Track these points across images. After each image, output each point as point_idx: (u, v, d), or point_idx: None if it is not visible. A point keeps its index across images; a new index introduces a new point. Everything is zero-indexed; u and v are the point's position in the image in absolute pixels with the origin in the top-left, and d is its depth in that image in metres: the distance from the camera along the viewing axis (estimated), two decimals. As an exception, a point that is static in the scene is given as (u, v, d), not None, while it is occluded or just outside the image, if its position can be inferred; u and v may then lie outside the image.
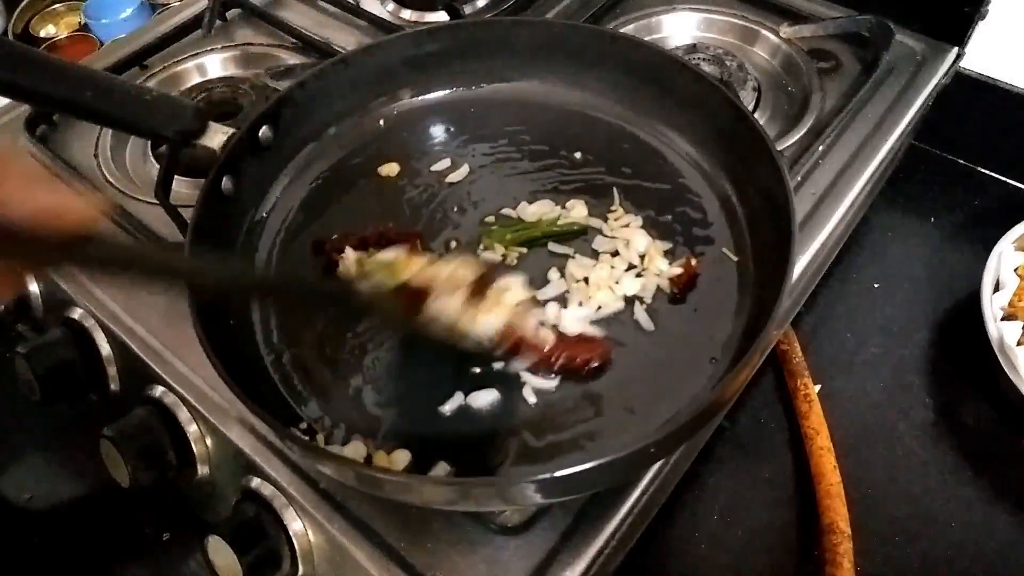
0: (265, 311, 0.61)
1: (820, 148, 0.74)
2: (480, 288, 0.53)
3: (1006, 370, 0.71)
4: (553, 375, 0.56)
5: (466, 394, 0.55)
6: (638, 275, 0.61)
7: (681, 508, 0.70)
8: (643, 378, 0.56)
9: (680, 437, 0.50)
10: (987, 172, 0.96)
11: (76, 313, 0.68)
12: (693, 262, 0.61)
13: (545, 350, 0.55)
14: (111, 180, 0.76)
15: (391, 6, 0.97)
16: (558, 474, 0.43)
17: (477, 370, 0.57)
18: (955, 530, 0.69)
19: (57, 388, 0.66)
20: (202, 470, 0.62)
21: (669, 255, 0.62)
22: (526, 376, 0.56)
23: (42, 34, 1.27)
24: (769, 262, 0.59)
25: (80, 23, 1.26)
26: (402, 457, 0.52)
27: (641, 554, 0.65)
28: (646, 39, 0.87)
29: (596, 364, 0.56)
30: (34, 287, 0.72)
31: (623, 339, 0.58)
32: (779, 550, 0.68)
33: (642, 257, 0.62)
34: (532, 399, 0.55)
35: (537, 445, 0.53)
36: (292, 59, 0.89)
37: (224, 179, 0.61)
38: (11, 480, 0.77)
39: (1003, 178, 0.95)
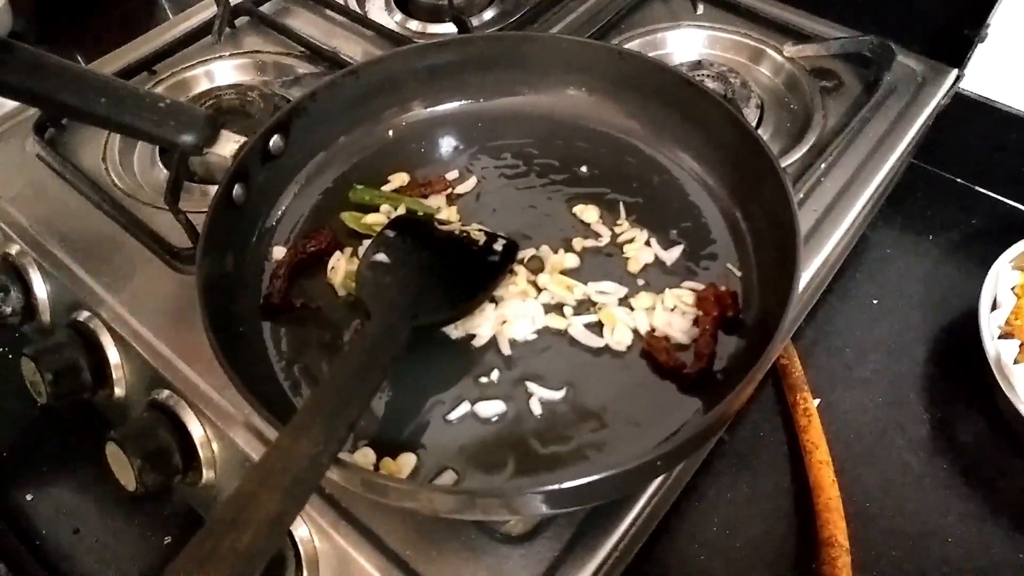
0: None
1: (822, 166, 0.75)
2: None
3: (1003, 388, 0.72)
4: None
5: (472, 403, 0.56)
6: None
7: (681, 519, 0.71)
8: (647, 391, 0.57)
9: (686, 450, 0.50)
10: (985, 191, 0.97)
11: (83, 316, 0.68)
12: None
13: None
14: (119, 185, 0.76)
15: (399, 17, 0.98)
16: (566, 485, 0.43)
17: (484, 380, 0.57)
18: (951, 545, 0.70)
19: (63, 390, 0.66)
20: (208, 474, 0.62)
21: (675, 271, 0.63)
22: (532, 387, 0.56)
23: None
24: (773, 278, 0.60)
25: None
26: (408, 460, 0.53)
27: (641, 564, 0.65)
28: (651, 55, 0.88)
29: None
30: (41, 290, 0.72)
31: (628, 351, 0.59)
32: (778, 563, 0.69)
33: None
34: (538, 410, 0.56)
35: (542, 455, 0.54)
36: (301, 68, 0.89)
37: (235, 187, 0.62)
38: (12, 481, 0.77)
39: (1000, 197, 0.97)
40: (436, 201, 0.69)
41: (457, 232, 0.64)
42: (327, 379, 0.49)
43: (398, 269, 0.59)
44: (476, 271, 0.61)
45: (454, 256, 0.62)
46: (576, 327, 0.60)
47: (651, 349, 0.58)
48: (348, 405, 0.47)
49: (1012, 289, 0.79)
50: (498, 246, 0.63)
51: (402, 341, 0.53)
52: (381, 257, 0.60)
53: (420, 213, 0.67)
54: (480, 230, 0.64)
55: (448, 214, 0.67)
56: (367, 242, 0.63)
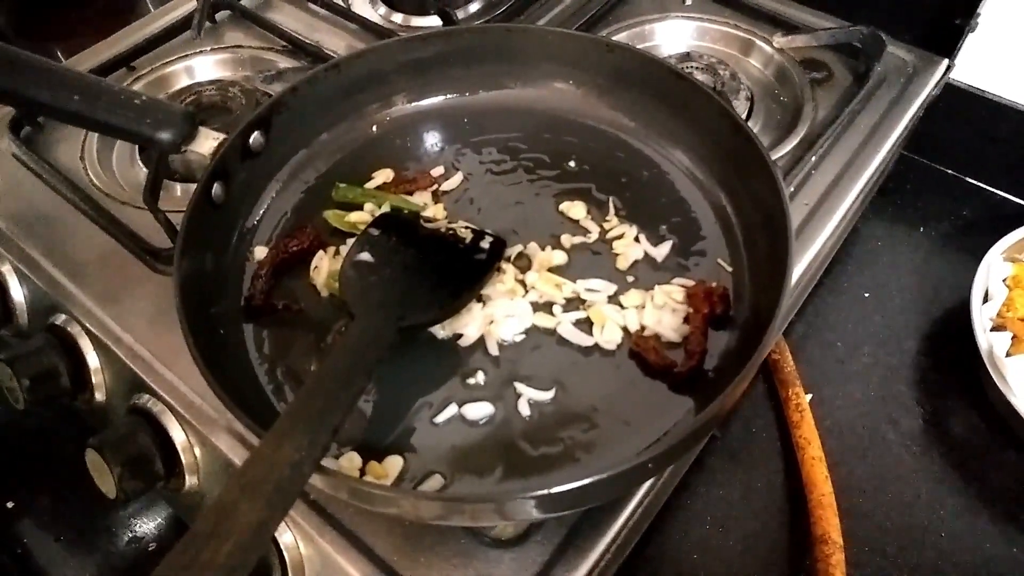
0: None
1: (813, 158, 0.75)
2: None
3: (995, 380, 0.71)
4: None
5: (460, 405, 0.55)
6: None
7: (673, 517, 0.70)
8: (638, 390, 0.56)
9: (677, 451, 0.49)
10: (976, 182, 0.97)
11: (60, 319, 0.67)
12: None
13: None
14: (98, 184, 0.75)
15: (382, 10, 0.97)
16: (555, 490, 0.42)
17: (471, 381, 0.56)
18: (944, 540, 0.69)
19: (41, 396, 0.64)
20: (190, 480, 0.61)
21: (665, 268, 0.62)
22: (521, 388, 0.55)
23: None
24: (764, 272, 0.59)
25: None
26: (395, 463, 0.52)
27: (633, 563, 0.65)
28: (639, 47, 0.87)
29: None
30: (17, 293, 0.71)
31: (618, 350, 0.58)
32: (771, 560, 0.68)
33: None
34: (527, 411, 0.55)
35: (532, 457, 0.53)
36: (282, 62, 0.88)
37: (215, 186, 0.60)
38: (-7, 488, 0.76)
39: (991, 188, 0.96)
40: (421, 198, 0.67)
41: (443, 230, 0.63)
42: (309, 384, 0.48)
43: (382, 268, 0.58)
44: (463, 269, 0.60)
45: (440, 254, 0.61)
46: (565, 326, 0.59)
47: (639, 350, 0.57)
48: (331, 410, 0.46)
49: (1004, 281, 0.78)
50: (485, 244, 0.61)
51: (387, 343, 0.52)
52: (365, 256, 0.59)
53: (405, 211, 0.66)
54: (467, 227, 0.63)
55: (434, 211, 0.66)
56: (351, 241, 0.61)
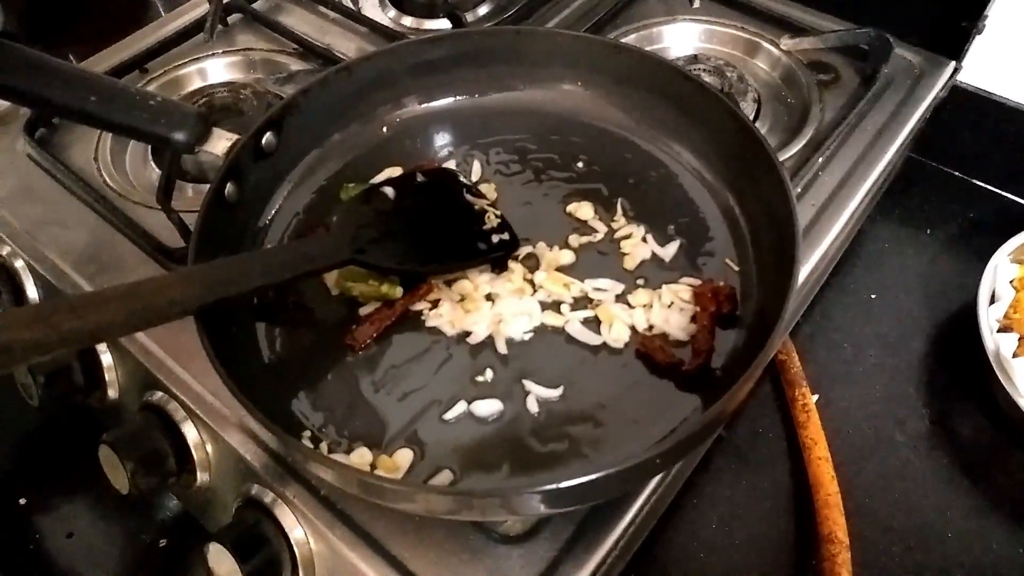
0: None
1: (820, 160, 0.75)
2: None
3: (1002, 381, 0.71)
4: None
5: (469, 403, 0.55)
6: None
7: (680, 517, 0.70)
8: (646, 388, 0.56)
9: (685, 448, 0.50)
10: (982, 184, 0.97)
11: (75, 317, 0.67)
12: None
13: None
14: (111, 184, 0.76)
15: (392, 13, 0.97)
16: (563, 485, 0.43)
17: (480, 379, 0.57)
18: (951, 540, 0.69)
19: (55, 393, 0.65)
20: (202, 477, 0.61)
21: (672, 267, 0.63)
22: (529, 386, 0.56)
23: None
24: (771, 273, 0.59)
25: None
26: (405, 456, 0.53)
27: (640, 562, 0.65)
28: (648, 49, 0.88)
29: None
30: (32, 292, 0.71)
31: (625, 348, 0.58)
32: (777, 559, 0.69)
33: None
34: (535, 408, 0.55)
35: (540, 453, 0.53)
36: (294, 65, 0.88)
37: (227, 186, 0.61)
38: (5, 485, 0.76)
39: (998, 190, 0.96)
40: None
41: (478, 207, 0.64)
42: (238, 257, 0.54)
43: (388, 207, 0.61)
44: (459, 248, 0.61)
45: (450, 224, 0.62)
46: (573, 324, 0.59)
47: (647, 348, 0.57)
48: (233, 284, 0.51)
49: (1011, 282, 0.78)
50: (496, 238, 0.62)
51: (332, 261, 0.55)
52: (388, 191, 0.62)
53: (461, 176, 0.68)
54: (499, 216, 0.64)
55: (487, 190, 0.67)
56: None
